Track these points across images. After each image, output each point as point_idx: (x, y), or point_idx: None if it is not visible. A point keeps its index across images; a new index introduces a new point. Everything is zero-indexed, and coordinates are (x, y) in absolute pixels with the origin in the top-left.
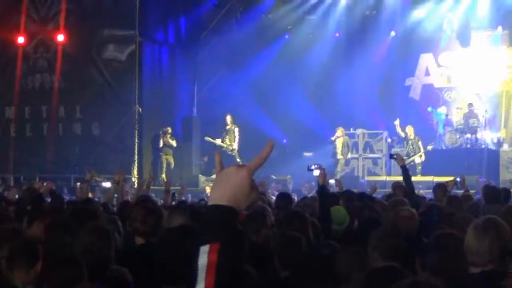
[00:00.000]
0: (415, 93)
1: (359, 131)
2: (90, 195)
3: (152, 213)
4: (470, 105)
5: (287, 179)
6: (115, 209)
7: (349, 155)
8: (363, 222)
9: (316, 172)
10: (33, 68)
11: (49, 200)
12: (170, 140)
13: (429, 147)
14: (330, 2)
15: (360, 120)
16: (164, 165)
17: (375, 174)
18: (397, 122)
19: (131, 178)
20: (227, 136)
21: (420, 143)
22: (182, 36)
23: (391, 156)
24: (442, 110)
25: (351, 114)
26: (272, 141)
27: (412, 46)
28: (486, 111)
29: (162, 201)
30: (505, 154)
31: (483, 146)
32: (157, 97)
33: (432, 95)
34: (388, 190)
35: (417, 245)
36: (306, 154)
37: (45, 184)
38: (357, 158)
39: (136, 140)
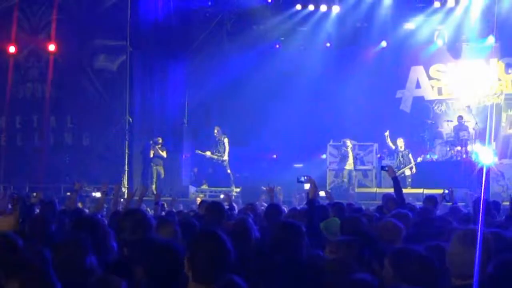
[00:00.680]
0: (406, 106)
1: (350, 143)
2: (79, 205)
3: (141, 224)
4: (460, 117)
5: (277, 190)
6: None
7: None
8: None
9: (307, 186)
10: (24, 78)
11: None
12: (160, 151)
13: (419, 159)
14: (321, 14)
15: (351, 132)
16: (155, 176)
17: (365, 186)
18: (386, 133)
19: (121, 188)
20: (217, 148)
21: (410, 156)
22: (173, 47)
23: (382, 168)
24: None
25: (341, 125)
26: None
27: (403, 58)
28: (476, 123)
29: (152, 211)
30: (495, 167)
31: (473, 158)
32: (148, 107)
33: (423, 108)
34: (378, 202)
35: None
36: (297, 165)
37: (34, 194)
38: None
39: (127, 150)
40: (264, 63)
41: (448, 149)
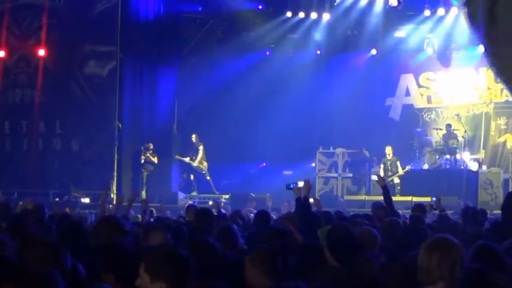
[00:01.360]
0: (395, 113)
1: (339, 150)
2: (67, 210)
3: (118, 230)
4: (448, 125)
5: (266, 197)
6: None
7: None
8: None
9: (301, 184)
10: (13, 83)
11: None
12: (151, 157)
13: (407, 168)
14: (311, 21)
15: (340, 139)
16: (145, 182)
17: (354, 193)
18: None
19: (110, 194)
20: (194, 154)
21: (398, 163)
22: (163, 53)
23: (372, 177)
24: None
25: (331, 132)
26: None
27: (393, 66)
28: (465, 132)
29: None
30: (483, 175)
31: (462, 167)
32: (138, 113)
33: (412, 116)
34: (368, 209)
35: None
36: (286, 172)
37: (20, 203)
38: (336, 178)
39: (116, 156)
40: (254, 69)
41: (437, 157)
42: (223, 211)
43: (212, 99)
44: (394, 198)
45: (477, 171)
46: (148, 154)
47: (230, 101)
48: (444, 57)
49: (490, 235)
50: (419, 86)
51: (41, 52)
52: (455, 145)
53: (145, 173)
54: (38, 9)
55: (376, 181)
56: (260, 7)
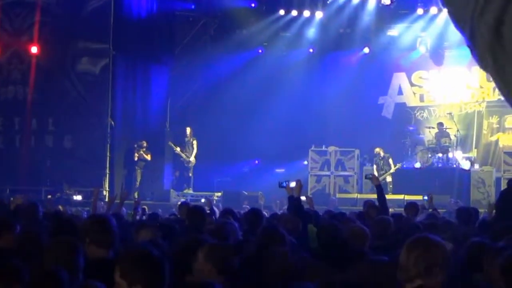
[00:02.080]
0: (388, 112)
1: (331, 148)
2: (60, 207)
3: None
4: (440, 124)
5: (259, 195)
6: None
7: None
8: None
9: (293, 184)
10: (6, 80)
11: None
12: (145, 155)
13: (398, 165)
14: (304, 19)
15: (332, 137)
16: (138, 179)
17: (346, 191)
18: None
19: (102, 192)
20: (186, 148)
21: (390, 160)
22: (156, 51)
23: (366, 176)
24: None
25: (323, 131)
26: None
27: (386, 64)
28: (458, 130)
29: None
30: (476, 174)
31: (454, 165)
32: (130, 111)
33: (404, 114)
34: (359, 207)
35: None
36: (278, 170)
37: (11, 199)
38: (328, 176)
39: (108, 154)
40: (247, 67)
41: (430, 155)
42: (215, 208)
43: (205, 97)
44: (386, 196)
45: (469, 170)
46: (142, 152)
47: (222, 99)
48: (436, 56)
49: (480, 233)
50: (412, 84)
51: (34, 49)
52: (447, 144)
53: (139, 171)
54: (31, 6)
55: (369, 178)
56: (253, 5)
